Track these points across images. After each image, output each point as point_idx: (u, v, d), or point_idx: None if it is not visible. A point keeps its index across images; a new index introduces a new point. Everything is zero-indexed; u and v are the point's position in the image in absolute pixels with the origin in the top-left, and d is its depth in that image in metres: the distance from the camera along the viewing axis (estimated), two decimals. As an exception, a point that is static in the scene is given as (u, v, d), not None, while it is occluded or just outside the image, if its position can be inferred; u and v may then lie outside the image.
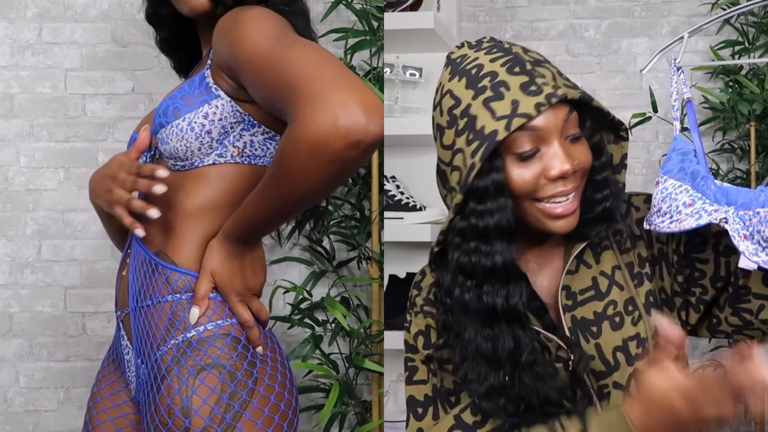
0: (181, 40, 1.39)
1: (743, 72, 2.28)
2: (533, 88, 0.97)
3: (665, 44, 1.21)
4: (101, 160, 2.07)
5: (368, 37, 1.94)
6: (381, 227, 1.94)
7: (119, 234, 1.38)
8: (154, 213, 1.11)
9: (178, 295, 1.15)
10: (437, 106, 1.04)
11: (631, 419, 0.90)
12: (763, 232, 0.98)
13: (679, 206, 1.04)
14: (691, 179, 1.05)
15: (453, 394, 1.11)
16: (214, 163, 1.16)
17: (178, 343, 1.13)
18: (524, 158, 0.99)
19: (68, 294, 2.07)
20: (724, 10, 2.28)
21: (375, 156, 1.92)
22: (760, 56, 2.28)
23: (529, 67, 0.99)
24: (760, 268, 1.00)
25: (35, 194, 2.07)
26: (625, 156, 1.09)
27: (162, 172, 1.11)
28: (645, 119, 2.19)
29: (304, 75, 0.95)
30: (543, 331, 1.07)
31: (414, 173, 2.33)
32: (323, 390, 1.94)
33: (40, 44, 2.07)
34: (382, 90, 1.94)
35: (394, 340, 1.89)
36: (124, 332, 1.23)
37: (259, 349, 1.15)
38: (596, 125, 1.06)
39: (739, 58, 2.28)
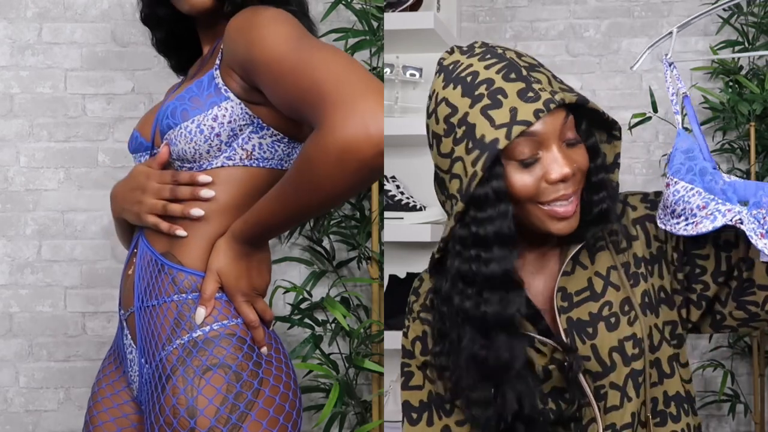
0: (179, 39, 1.38)
1: (743, 72, 2.28)
2: (531, 94, 0.98)
3: (661, 42, 1.20)
4: (101, 160, 2.08)
5: (368, 37, 1.94)
6: (381, 227, 1.94)
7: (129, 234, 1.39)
8: (196, 211, 1.14)
9: (184, 295, 1.15)
10: (432, 114, 1.04)
11: None
12: None
13: (693, 209, 1.04)
14: (701, 178, 1.05)
15: (448, 401, 1.11)
16: (222, 166, 1.15)
17: (183, 343, 1.13)
18: (525, 164, 1.00)
19: (68, 294, 2.07)
20: (725, 10, 2.29)
21: (375, 156, 1.92)
22: (760, 56, 2.28)
23: (524, 72, 1.00)
24: None
25: (35, 194, 2.07)
26: (618, 155, 1.09)
27: (204, 178, 1.13)
28: (645, 119, 2.19)
29: (332, 80, 0.95)
30: (538, 336, 1.07)
31: (414, 173, 2.33)
32: (323, 390, 1.94)
33: (40, 44, 2.07)
34: (382, 90, 1.94)
35: (394, 340, 1.89)
36: (128, 331, 1.23)
37: (264, 349, 1.15)
38: (591, 126, 1.06)
39: (739, 59, 2.28)
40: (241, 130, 1.14)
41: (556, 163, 0.99)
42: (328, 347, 1.98)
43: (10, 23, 2.06)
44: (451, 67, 1.04)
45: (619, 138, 1.08)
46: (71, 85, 2.07)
